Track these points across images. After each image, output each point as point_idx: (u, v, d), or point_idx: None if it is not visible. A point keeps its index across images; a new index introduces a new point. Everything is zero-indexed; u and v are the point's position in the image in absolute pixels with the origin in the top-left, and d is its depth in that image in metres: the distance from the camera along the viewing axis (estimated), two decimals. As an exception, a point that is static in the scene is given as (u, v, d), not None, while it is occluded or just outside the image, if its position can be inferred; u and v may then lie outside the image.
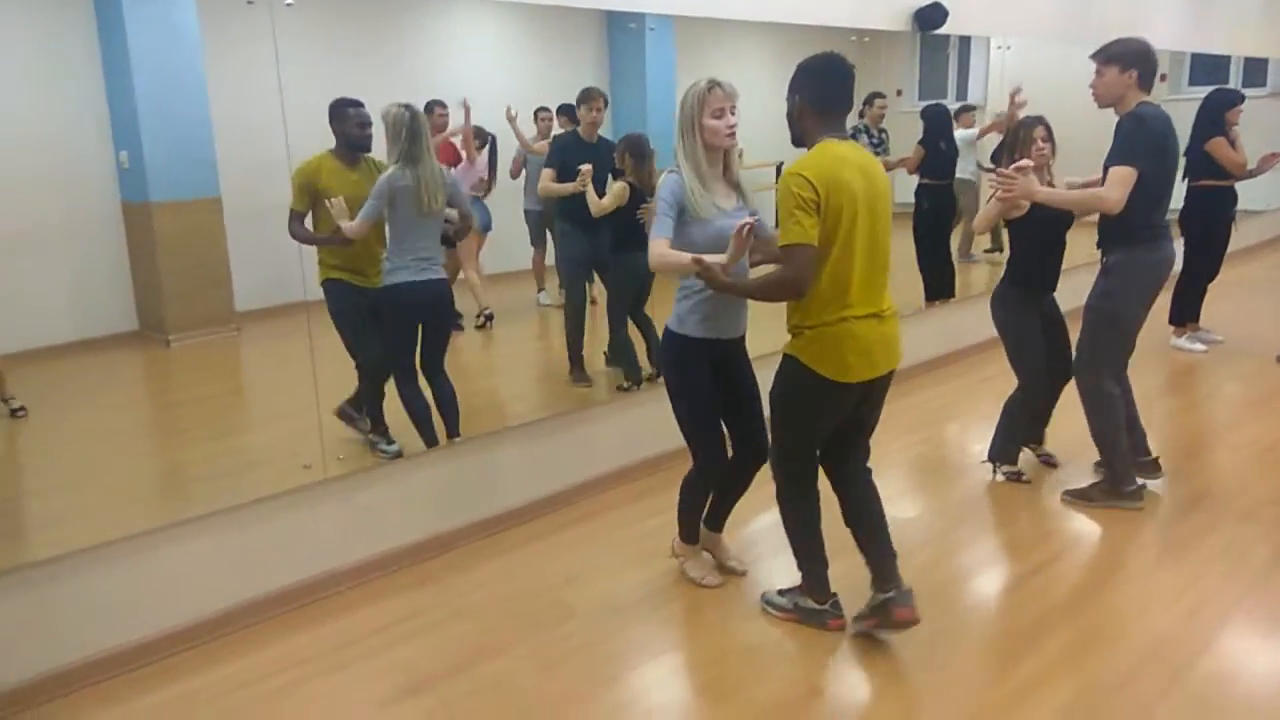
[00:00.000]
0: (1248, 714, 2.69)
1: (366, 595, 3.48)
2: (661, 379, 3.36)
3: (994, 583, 3.52)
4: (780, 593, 3.25)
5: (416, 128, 3.63)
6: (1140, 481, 4.00)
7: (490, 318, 5.29)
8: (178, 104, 3.81)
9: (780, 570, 3.40)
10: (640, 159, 4.39)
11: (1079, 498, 4.05)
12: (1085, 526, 3.88)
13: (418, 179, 3.62)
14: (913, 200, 6.27)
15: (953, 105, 6.80)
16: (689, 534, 3.46)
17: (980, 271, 7.31)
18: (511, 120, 4.99)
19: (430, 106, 4.56)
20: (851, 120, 2.89)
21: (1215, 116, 6.19)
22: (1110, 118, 3.75)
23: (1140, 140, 3.61)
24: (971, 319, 6.19)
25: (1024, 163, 3.73)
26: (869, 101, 6.00)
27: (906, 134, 6.33)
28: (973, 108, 7.04)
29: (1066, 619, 3.17)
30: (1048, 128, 3.96)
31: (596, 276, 4.93)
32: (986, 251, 7.31)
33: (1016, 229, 4.01)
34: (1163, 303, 5.66)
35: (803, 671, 2.94)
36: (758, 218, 2.97)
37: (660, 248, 2.94)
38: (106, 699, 2.90)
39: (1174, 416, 5.27)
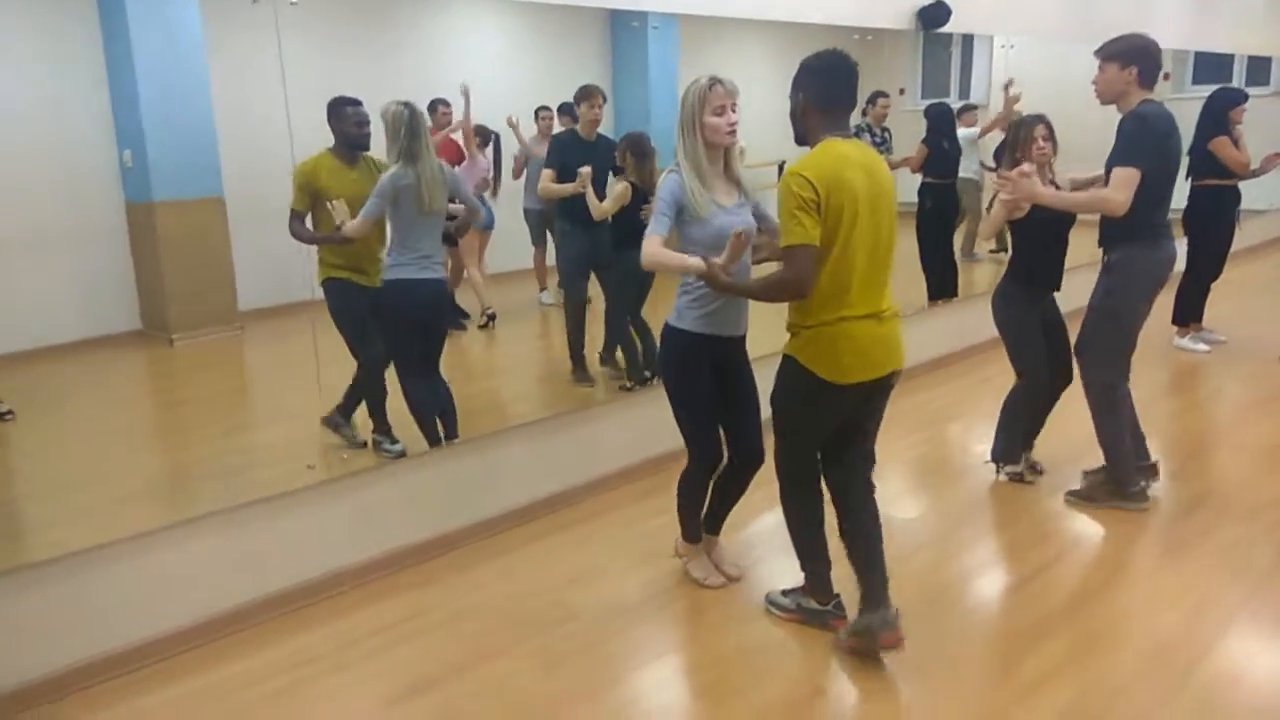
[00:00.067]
0: (1251, 717, 2.69)
1: (369, 595, 3.49)
2: (660, 380, 3.35)
3: (996, 584, 3.52)
4: (784, 593, 3.24)
5: (416, 125, 3.62)
6: (1143, 483, 4.00)
7: (493, 317, 5.29)
8: (181, 104, 3.82)
9: (783, 571, 3.40)
10: (641, 158, 4.39)
11: (1082, 498, 4.05)
12: (1088, 527, 3.88)
13: (418, 177, 3.62)
14: (916, 199, 6.26)
15: (956, 104, 6.79)
16: (691, 532, 3.46)
17: (983, 270, 7.30)
18: (514, 127, 5.00)
19: (434, 105, 4.57)
20: (854, 119, 2.88)
21: (1219, 116, 6.18)
22: (1113, 117, 3.74)
23: (1142, 140, 3.60)
24: (975, 318, 6.17)
25: (1025, 168, 3.73)
26: (872, 100, 5.99)
27: (909, 133, 6.32)
28: (974, 107, 7.03)
29: (1068, 620, 3.16)
30: (1049, 126, 3.95)
31: (594, 276, 4.93)
32: (992, 252, 7.30)
33: (1019, 229, 4.00)
34: (1165, 303, 5.66)
35: (806, 672, 2.94)
36: (759, 209, 3.01)
37: (653, 245, 2.94)
38: (109, 700, 2.91)
39: (1176, 417, 5.26)
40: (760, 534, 3.82)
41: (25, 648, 2.87)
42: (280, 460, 3.78)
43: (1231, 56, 9.64)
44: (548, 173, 4.60)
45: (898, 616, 2.87)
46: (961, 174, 6.49)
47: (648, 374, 4.68)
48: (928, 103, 6.53)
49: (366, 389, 3.95)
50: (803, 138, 2.85)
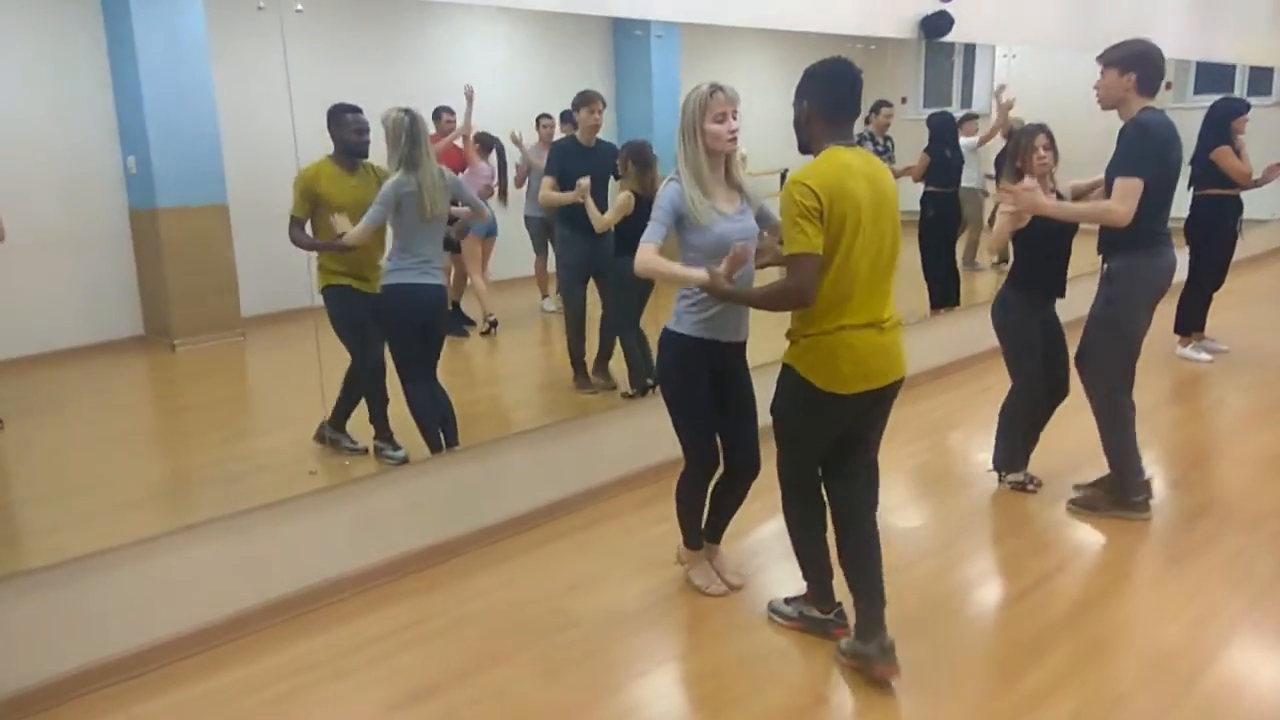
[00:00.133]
0: (1254, 727, 2.68)
1: (370, 602, 3.48)
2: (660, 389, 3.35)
3: (997, 593, 3.51)
4: (786, 601, 3.24)
5: (417, 132, 3.62)
6: (1149, 492, 3.99)
7: (495, 324, 5.30)
8: (185, 110, 3.82)
9: (785, 579, 3.40)
10: (643, 166, 4.39)
11: (1084, 508, 4.04)
12: (1090, 537, 3.87)
13: (420, 184, 3.63)
14: (918, 208, 6.27)
15: (957, 113, 6.80)
16: (692, 539, 3.45)
17: (986, 279, 7.30)
18: (517, 141, 5.01)
19: (438, 112, 4.58)
20: (857, 127, 2.87)
21: (1221, 125, 6.19)
22: (1114, 127, 3.74)
23: (1143, 149, 3.60)
24: (977, 327, 6.15)
25: (1028, 182, 3.74)
26: (875, 109, 6.01)
27: (911, 142, 6.33)
28: (975, 116, 7.04)
29: (1070, 630, 3.15)
30: (1049, 136, 3.95)
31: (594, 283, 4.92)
32: (995, 264, 7.30)
33: (1021, 237, 4.00)
34: (1167, 312, 5.66)
35: (808, 681, 2.93)
36: (763, 211, 3.06)
37: (646, 253, 2.93)
38: (110, 705, 2.90)
39: (1179, 426, 5.26)
40: (762, 542, 3.82)
41: (24, 654, 2.86)
42: (282, 466, 3.78)
43: (1233, 66, 9.66)
44: (548, 180, 4.61)
45: (893, 647, 2.84)
46: (963, 183, 6.50)
47: (649, 382, 4.67)
48: (930, 112, 6.53)
49: (367, 395, 3.94)
50: (806, 146, 2.83)
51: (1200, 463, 4.71)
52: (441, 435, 3.87)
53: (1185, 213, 6.32)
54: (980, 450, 4.60)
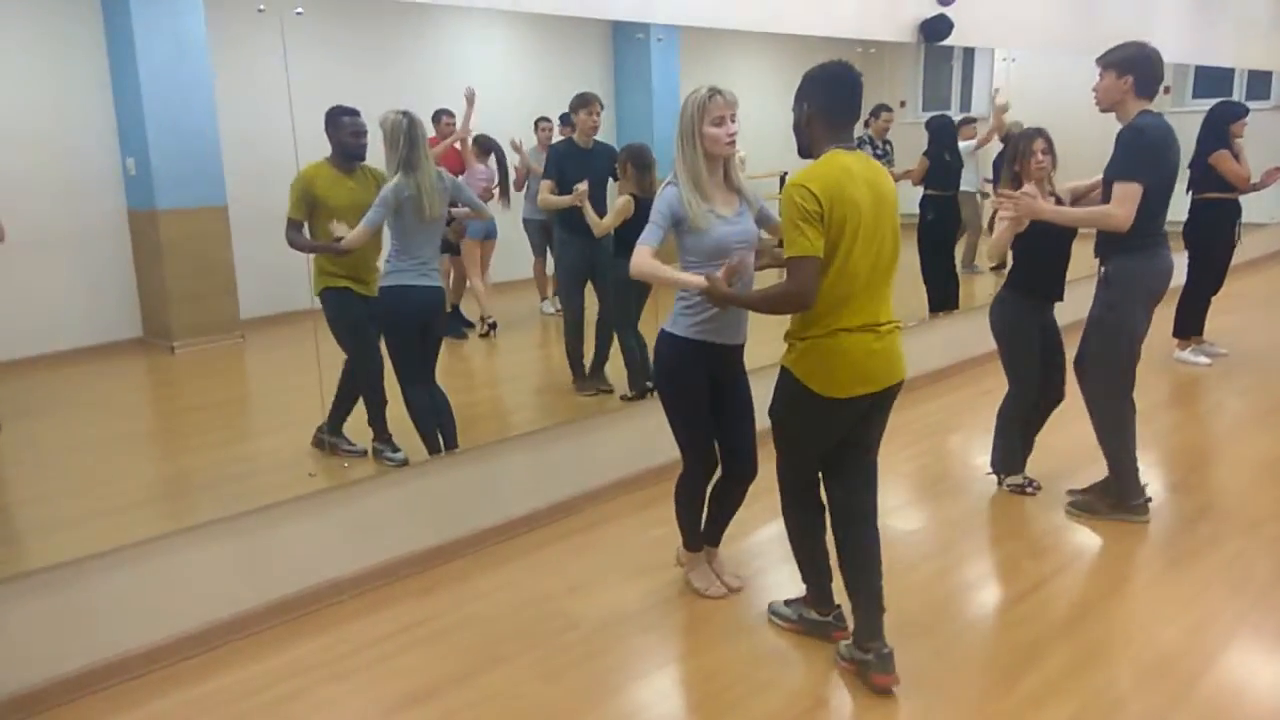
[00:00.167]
0: (1253, 730, 2.68)
1: (370, 604, 3.48)
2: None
3: (997, 596, 3.51)
4: (786, 603, 3.24)
5: (414, 135, 3.63)
6: (1146, 495, 3.99)
7: (494, 326, 5.30)
8: (185, 112, 3.83)
9: (784, 581, 3.40)
10: (642, 169, 4.39)
11: (1084, 510, 4.04)
12: (1089, 540, 3.88)
13: (419, 187, 3.63)
14: (917, 211, 6.28)
15: (956, 117, 6.81)
16: (691, 540, 3.45)
17: (984, 282, 7.30)
18: (517, 148, 5.01)
19: (438, 115, 4.58)
20: (856, 131, 2.87)
21: (1219, 129, 6.21)
22: (1113, 130, 3.74)
23: (1139, 154, 3.60)
24: (975, 330, 6.17)
25: (1028, 189, 3.75)
26: (875, 114, 6.02)
27: (910, 145, 6.34)
28: (974, 120, 7.05)
29: (1069, 633, 3.15)
30: (1048, 140, 3.95)
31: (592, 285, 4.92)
32: (994, 268, 7.31)
33: (1020, 240, 3.99)
34: (1166, 315, 5.67)
35: (807, 684, 2.93)
36: (763, 212, 3.09)
37: (642, 256, 2.94)
38: (110, 706, 2.90)
39: (1178, 429, 5.26)
40: (761, 544, 3.82)
41: (25, 655, 2.86)
42: (281, 468, 3.78)
43: (1232, 70, 9.68)
44: (546, 184, 4.61)
45: (891, 656, 2.83)
46: (962, 187, 6.50)
47: (648, 384, 4.67)
48: (929, 115, 6.55)
49: (365, 397, 3.94)
50: (806, 150, 2.82)
51: (1199, 466, 4.72)
52: (440, 437, 3.87)
53: (1184, 216, 6.33)
54: (979, 453, 4.61)
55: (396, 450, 3.87)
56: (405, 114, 3.62)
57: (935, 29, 5.88)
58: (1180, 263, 4.06)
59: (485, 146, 4.88)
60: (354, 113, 3.78)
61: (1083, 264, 4.10)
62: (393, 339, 3.83)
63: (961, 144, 6.56)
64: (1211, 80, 9.46)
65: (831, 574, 3.08)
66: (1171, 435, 5.12)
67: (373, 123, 3.69)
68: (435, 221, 3.75)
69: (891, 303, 2.83)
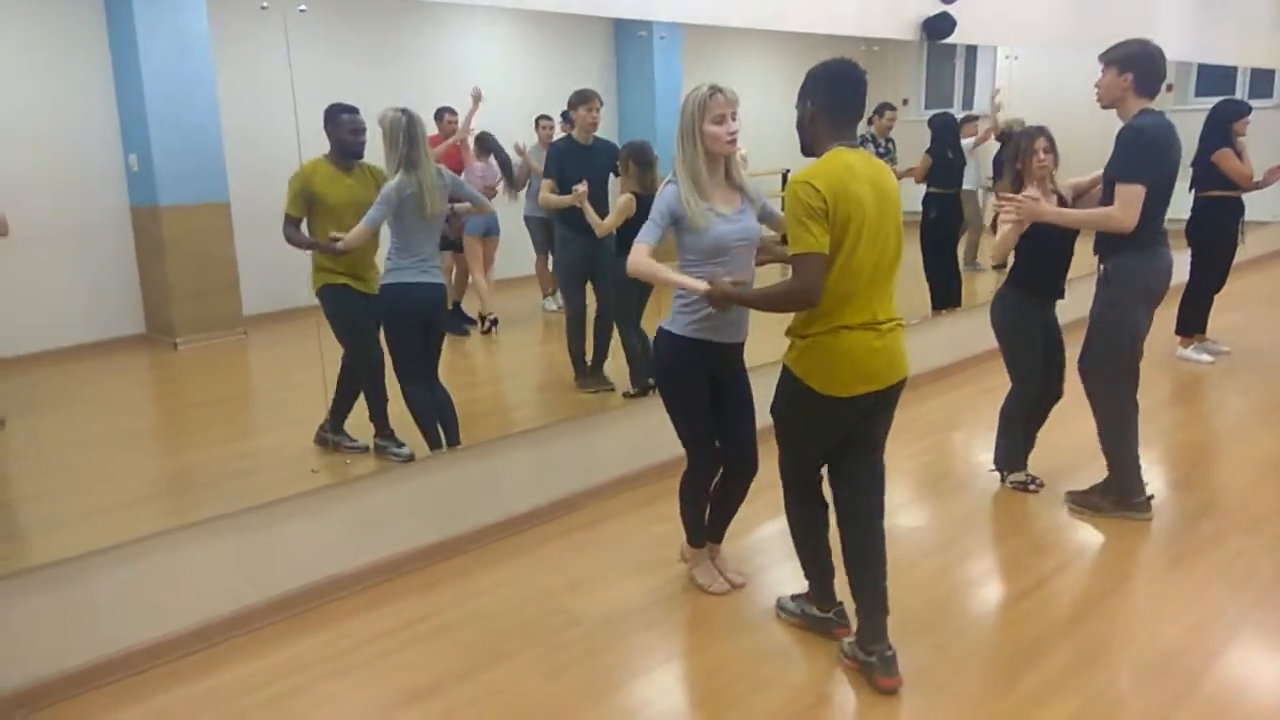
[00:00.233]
0: (1255, 727, 2.68)
1: (371, 600, 3.48)
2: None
3: (999, 594, 3.51)
4: (792, 598, 3.24)
5: (414, 132, 3.62)
6: (1149, 493, 3.99)
7: (495, 323, 5.30)
8: (187, 108, 3.83)
9: (787, 578, 3.40)
10: (644, 166, 4.38)
11: (1086, 508, 4.04)
12: (1091, 537, 3.87)
13: (420, 184, 3.63)
14: (920, 209, 6.27)
15: (959, 114, 6.80)
16: (695, 537, 3.45)
17: (987, 280, 7.29)
18: (521, 152, 5.01)
19: (440, 113, 4.58)
20: (859, 130, 2.87)
21: (1222, 128, 6.20)
22: (1115, 129, 3.73)
23: (1139, 154, 3.59)
24: (978, 328, 6.15)
25: (1031, 192, 3.75)
26: (879, 112, 6.02)
27: (913, 143, 6.34)
28: (975, 117, 7.04)
29: (1072, 631, 3.15)
30: (1049, 138, 3.94)
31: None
32: (995, 267, 7.30)
33: (1022, 239, 3.99)
34: (1168, 313, 5.66)
35: (810, 680, 2.93)
36: (765, 209, 3.09)
37: (640, 255, 2.94)
38: (112, 702, 2.91)
39: (1180, 427, 5.26)
40: (764, 540, 3.82)
41: (28, 650, 2.87)
42: (283, 464, 3.78)
43: (1235, 68, 9.66)
44: (547, 182, 4.61)
45: (894, 658, 2.83)
46: (964, 184, 6.50)
47: (650, 381, 4.67)
48: (931, 113, 6.54)
49: (366, 394, 3.94)
50: (810, 147, 2.81)
51: (1201, 464, 4.71)
52: (442, 434, 3.87)
53: (1186, 215, 6.33)
54: (982, 451, 4.60)
55: (401, 445, 3.87)
56: (404, 111, 3.61)
57: (938, 27, 5.87)
58: (1183, 261, 4.06)
59: (485, 146, 4.88)
60: (353, 110, 3.78)
61: (1083, 262, 4.10)
62: (394, 336, 3.83)
63: (964, 141, 6.56)
64: (1214, 78, 9.45)
65: (834, 570, 3.08)
66: (1174, 433, 5.11)
67: (372, 120, 3.69)
68: (436, 219, 3.76)
69: (894, 300, 2.82)
